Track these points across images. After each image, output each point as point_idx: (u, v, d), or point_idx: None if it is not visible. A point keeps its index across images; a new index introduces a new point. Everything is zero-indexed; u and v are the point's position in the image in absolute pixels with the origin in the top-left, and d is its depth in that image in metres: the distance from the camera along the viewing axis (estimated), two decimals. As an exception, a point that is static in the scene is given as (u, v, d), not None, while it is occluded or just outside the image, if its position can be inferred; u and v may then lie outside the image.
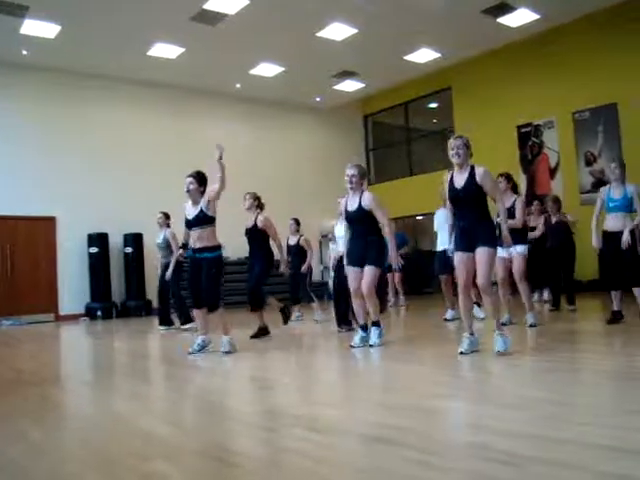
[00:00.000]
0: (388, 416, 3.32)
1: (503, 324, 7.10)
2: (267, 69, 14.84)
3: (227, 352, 6.09)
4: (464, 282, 5.16)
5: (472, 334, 5.15)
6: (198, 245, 6.20)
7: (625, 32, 12.53)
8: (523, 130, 14.71)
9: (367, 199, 6.11)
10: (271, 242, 7.69)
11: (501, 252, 6.59)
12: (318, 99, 17.42)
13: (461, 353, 5.01)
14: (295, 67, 14.74)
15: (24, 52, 12.69)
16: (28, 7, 10.75)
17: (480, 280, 5.04)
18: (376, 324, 6.09)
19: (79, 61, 13.47)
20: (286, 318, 8.28)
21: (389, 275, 11.47)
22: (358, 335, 6.15)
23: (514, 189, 7.47)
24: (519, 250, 7.14)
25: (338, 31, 12.82)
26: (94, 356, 7.73)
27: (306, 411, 3.56)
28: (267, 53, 13.90)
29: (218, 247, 6.26)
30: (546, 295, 10.42)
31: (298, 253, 9.99)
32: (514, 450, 2.52)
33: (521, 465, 2.34)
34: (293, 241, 10.13)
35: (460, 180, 5.15)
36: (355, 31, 12.81)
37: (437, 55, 14.84)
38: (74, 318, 13.42)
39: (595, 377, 4.16)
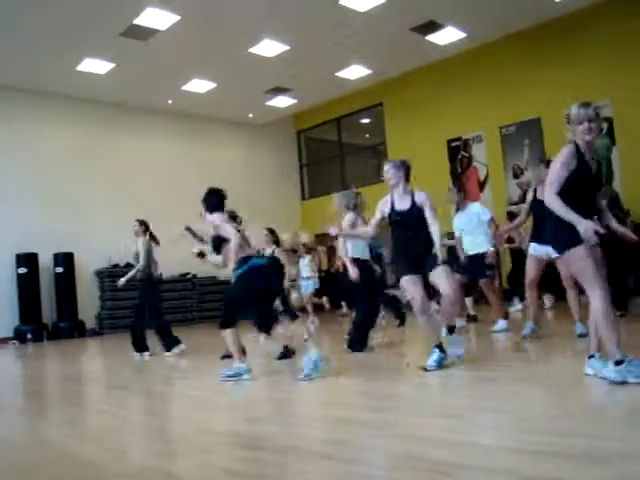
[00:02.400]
0: (329, 431, 3.35)
1: (523, 336, 6.40)
2: (199, 85, 14.77)
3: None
4: None
5: None
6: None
7: (548, 49, 13.06)
8: (453, 144, 15.07)
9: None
10: None
11: (538, 251, 6.32)
12: (251, 115, 17.42)
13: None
14: (227, 83, 14.73)
15: (-55, 68, 12.29)
16: (-51, 21, 10.42)
17: None
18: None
19: (5, 75, 13.08)
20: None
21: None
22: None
23: None
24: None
25: (270, 47, 12.89)
26: (24, 381, 7.47)
27: (244, 429, 3.54)
28: (199, 69, 13.85)
29: None
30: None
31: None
32: (448, 459, 2.59)
33: (454, 474, 2.40)
34: (267, 253, 9.20)
35: None
36: (287, 47, 12.91)
37: (368, 72, 15.08)
38: (2, 342, 12.95)
39: (528, 385, 4.28)
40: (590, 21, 12.49)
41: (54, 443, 3.56)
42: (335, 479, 2.49)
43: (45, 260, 13.64)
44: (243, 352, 5.44)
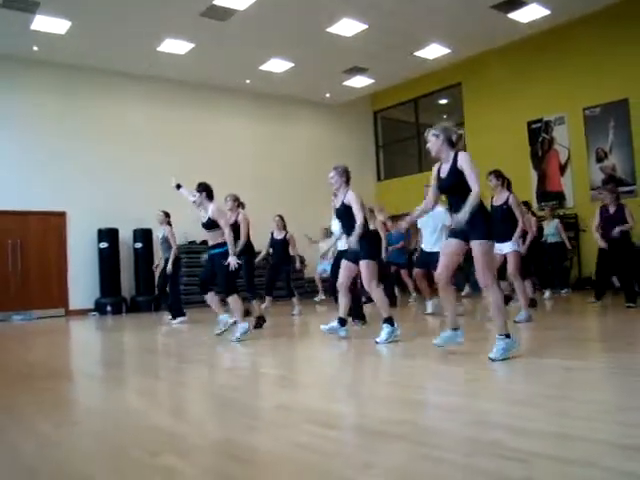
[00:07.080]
0: (398, 412, 3.32)
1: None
2: (277, 65, 14.83)
3: None
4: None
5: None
6: None
7: (635, 27, 12.45)
8: (533, 126, 14.64)
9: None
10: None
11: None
12: (328, 95, 17.40)
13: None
14: (305, 63, 14.72)
15: (35, 48, 12.74)
16: (39, 3, 10.79)
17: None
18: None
19: (89, 57, 13.51)
20: (259, 325, 8.21)
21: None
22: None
23: (507, 186, 7.47)
24: (510, 246, 7.21)
25: (348, 27, 12.79)
26: (104, 351, 7.75)
27: (316, 406, 3.56)
28: (277, 49, 13.89)
29: None
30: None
31: (283, 248, 10.56)
32: (524, 447, 2.51)
33: (530, 461, 2.33)
34: (279, 236, 10.60)
35: None
36: (365, 27, 12.79)
37: (447, 51, 14.79)
38: (84, 313, 13.48)
39: (604, 374, 4.15)
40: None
41: (135, 412, 3.66)
42: (407, 460, 2.46)
43: (125, 235, 14.07)
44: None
